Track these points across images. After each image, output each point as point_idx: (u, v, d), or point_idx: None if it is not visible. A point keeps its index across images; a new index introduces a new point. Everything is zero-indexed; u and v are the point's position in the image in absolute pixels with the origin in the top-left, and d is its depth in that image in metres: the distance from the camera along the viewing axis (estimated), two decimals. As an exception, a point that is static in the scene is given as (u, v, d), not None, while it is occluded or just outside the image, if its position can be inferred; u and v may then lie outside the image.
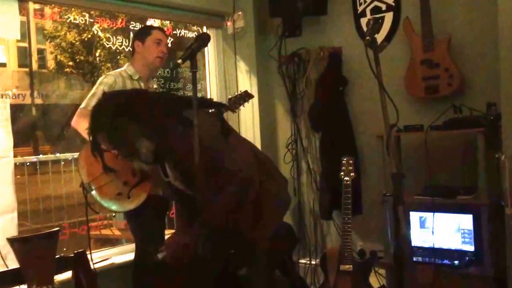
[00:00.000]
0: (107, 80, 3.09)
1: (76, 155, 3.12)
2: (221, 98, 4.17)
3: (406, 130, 3.34)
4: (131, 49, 3.39)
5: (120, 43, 3.84)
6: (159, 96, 2.42)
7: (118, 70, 3.25)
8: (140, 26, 3.83)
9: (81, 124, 2.97)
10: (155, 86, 3.42)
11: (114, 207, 2.88)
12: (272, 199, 2.55)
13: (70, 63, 3.85)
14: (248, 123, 4.39)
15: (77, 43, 3.84)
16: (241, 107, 3.59)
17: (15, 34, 3.12)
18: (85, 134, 2.99)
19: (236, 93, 3.59)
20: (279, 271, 3.33)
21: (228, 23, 4.35)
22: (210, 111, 2.47)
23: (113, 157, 2.44)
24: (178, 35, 4.23)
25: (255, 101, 4.25)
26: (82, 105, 3.05)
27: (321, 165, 4.15)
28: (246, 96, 3.55)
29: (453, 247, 3.23)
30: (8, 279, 2.02)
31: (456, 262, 3.12)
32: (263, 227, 2.52)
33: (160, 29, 3.38)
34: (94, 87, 3.09)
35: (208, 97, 4.37)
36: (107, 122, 2.16)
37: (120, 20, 3.82)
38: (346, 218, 3.32)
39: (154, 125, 2.20)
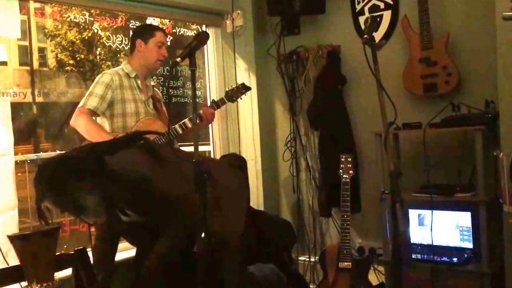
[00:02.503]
0: (104, 79, 3.11)
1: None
2: (220, 96, 4.17)
3: (405, 128, 3.35)
4: (130, 46, 3.40)
5: (120, 42, 3.86)
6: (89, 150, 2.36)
7: (115, 68, 3.28)
8: (140, 25, 3.85)
9: (79, 123, 3.03)
10: (153, 83, 3.44)
11: None
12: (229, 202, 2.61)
13: (71, 61, 3.85)
14: (247, 121, 4.40)
15: (78, 41, 3.84)
16: (239, 100, 3.61)
17: (15, 33, 3.13)
18: (83, 133, 3.03)
19: (233, 86, 3.60)
20: (277, 268, 3.34)
21: (227, 22, 4.36)
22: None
23: None
24: (177, 33, 4.25)
25: (254, 99, 4.28)
26: (80, 104, 3.08)
27: (320, 163, 4.16)
28: (243, 89, 3.56)
29: (451, 245, 3.25)
30: (9, 276, 2.04)
31: (454, 259, 3.13)
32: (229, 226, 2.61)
33: (162, 30, 3.39)
34: (92, 86, 3.11)
35: (208, 95, 4.39)
36: (48, 190, 2.12)
37: (120, 19, 3.84)
38: (345, 216, 3.33)
39: (93, 180, 2.15)
